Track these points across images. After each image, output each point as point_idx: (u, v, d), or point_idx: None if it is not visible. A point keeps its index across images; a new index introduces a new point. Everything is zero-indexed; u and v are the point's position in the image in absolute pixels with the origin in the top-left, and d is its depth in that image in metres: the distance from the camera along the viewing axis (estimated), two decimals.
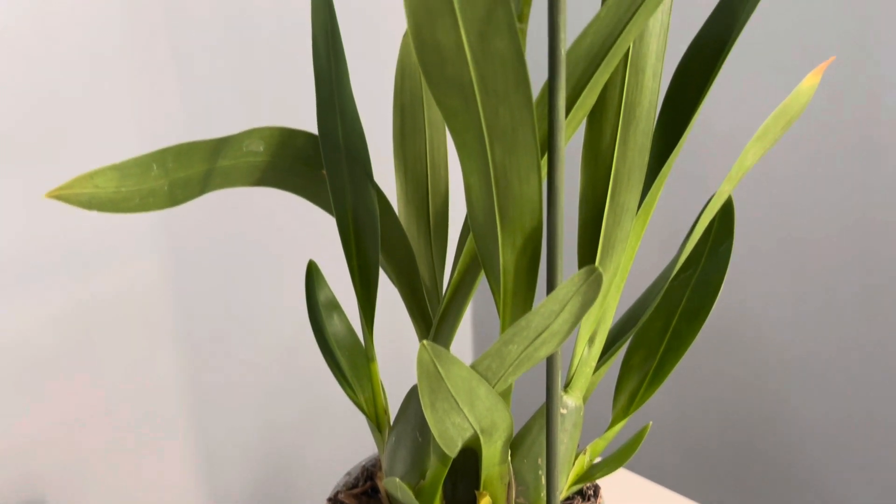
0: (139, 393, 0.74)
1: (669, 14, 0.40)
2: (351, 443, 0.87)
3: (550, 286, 0.36)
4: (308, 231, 0.79)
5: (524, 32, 0.34)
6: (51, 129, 0.64)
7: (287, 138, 0.46)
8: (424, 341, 0.33)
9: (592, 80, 0.37)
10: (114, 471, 0.73)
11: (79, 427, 0.70)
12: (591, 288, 0.33)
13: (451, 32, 0.29)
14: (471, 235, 0.39)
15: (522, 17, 0.34)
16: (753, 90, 0.79)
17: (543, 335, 0.34)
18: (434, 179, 0.51)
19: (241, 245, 0.79)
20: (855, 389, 0.82)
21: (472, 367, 0.35)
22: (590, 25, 0.36)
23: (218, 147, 0.42)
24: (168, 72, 0.70)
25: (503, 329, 0.40)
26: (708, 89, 0.43)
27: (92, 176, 0.33)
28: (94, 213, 0.65)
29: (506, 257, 0.37)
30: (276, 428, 0.86)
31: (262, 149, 0.45)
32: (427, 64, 0.30)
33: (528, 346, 0.35)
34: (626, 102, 0.40)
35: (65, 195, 0.33)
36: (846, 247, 0.79)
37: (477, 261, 0.41)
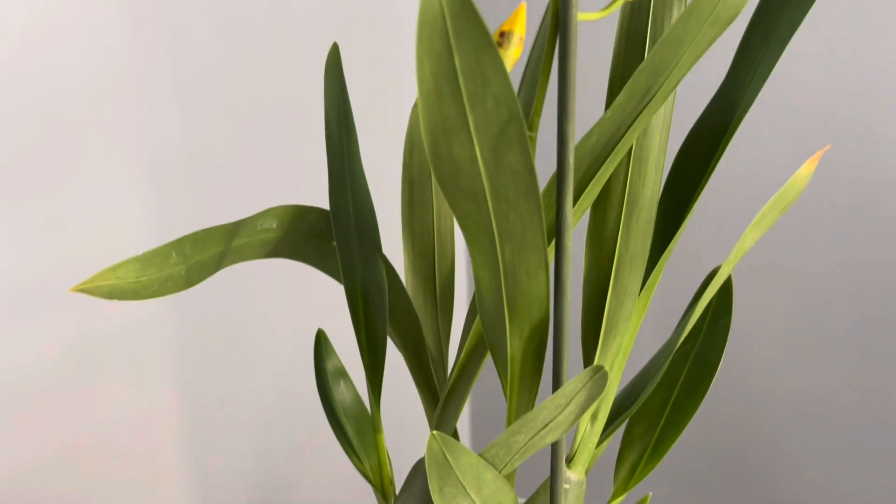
0: (136, 423, 0.74)
1: (672, 108, 0.42)
2: (345, 474, 0.88)
3: (556, 375, 0.38)
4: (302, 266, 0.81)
5: (534, 140, 0.36)
6: (52, 159, 0.65)
7: (300, 214, 0.48)
8: (434, 432, 0.34)
9: (598, 175, 0.39)
10: (111, 501, 0.74)
11: (76, 458, 0.70)
12: (597, 384, 0.34)
13: (465, 147, 0.31)
14: (478, 318, 0.41)
15: (532, 126, 0.36)
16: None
17: (550, 425, 0.36)
18: (441, 251, 0.52)
19: (240, 276, 0.80)
20: (848, 427, 0.83)
21: (480, 454, 0.37)
22: (596, 125, 0.38)
23: (234, 229, 0.43)
24: (173, 123, 0.72)
25: (509, 411, 0.41)
26: (709, 176, 0.44)
27: (114, 269, 0.35)
28: (93, 245, 0.66)
29: (513, 345, 0.38)
30: (272, 458, 0.87)
31: (275, 225, 0.47)
32: (441, 173, 0.32)
33: (534, 435, 0.36)
34: (629, 192, 0.42)
35: (88, 288, 0.34)
36: (837, 283, 0.80)
37: (483, 342, 0.42)
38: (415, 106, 0.54)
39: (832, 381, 0.83)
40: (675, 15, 0.41)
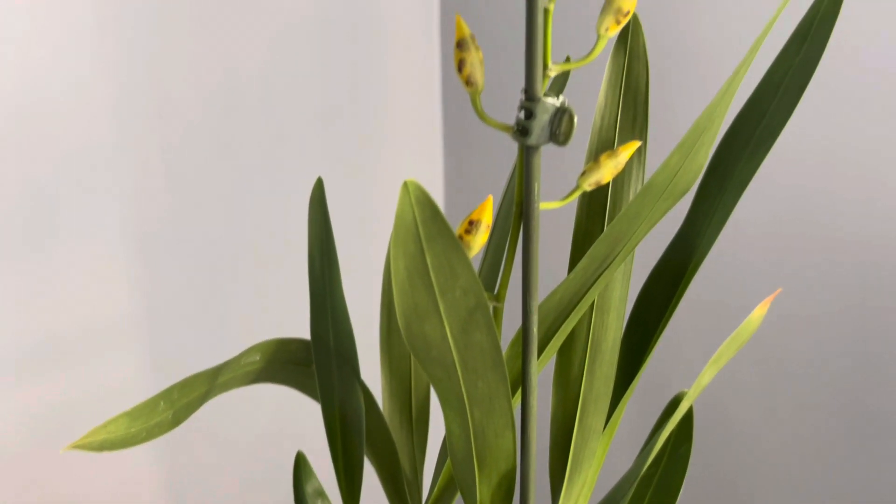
0: (115, 485, 0.75)
1: (632, 263, 0.45)
2: None
3: None
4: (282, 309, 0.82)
5: (501, 310, 0.38)
6: (36, 225, 0.67)
7: (281, 346, 0.50)
8: None
9: (561, 329, 0.41)
10: None
11: None
12: None
13: (437, 328, 0.33)
14: (449, 462, 0.43)
15: (500, 297, 0.38)
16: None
17: None
18: (417, 375, 0.55)
19: (217, 335, 0.81)
20: (829, 489, 0.85)
21: None
22: (561, 284, 0.40)
23: (219, 369, 0.45)
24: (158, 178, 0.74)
25: None
26: (668, 319, 0.47)
27: (105, 425, 0.37)
28: (72, 308, 0.67)
29: (482, 492, 0.40)
30: None
31: (258, 358, 0.49)
32: (415, 347, 0.34)
33: None
34: (592, 339, 0.44)
35: (81, 444, 0.36)
36: (817, 351, 0.83)
37: (454, 482, 0.44)
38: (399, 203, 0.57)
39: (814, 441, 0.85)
40: (632, 190, 0.44)
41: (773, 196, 0.81)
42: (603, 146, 0.44)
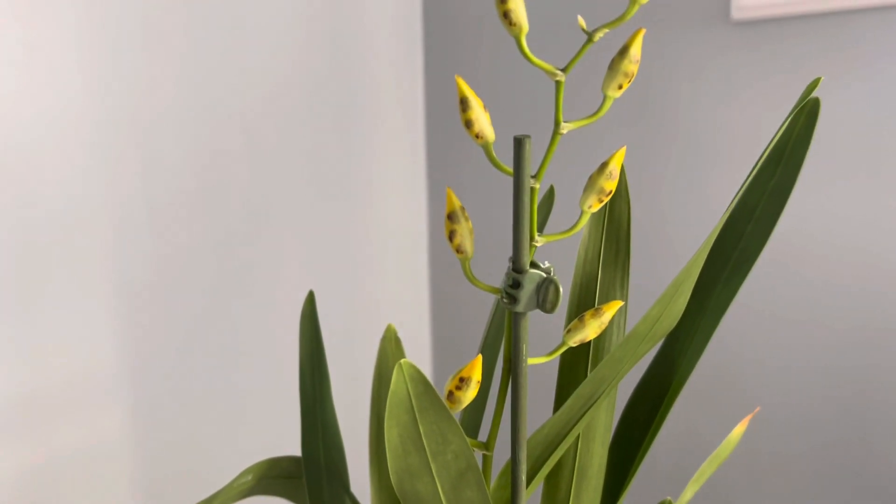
0: None
1: (615, 393, 0.46)
2: None
3: None
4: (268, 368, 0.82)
5: (490, 458, 0.40)
6: (24, 285, 0.67)
7: (273, 464, 0.51)
8: None
9: (549, 461, 0.43)
10: None
11: None
12: None
13: (429, 486, 0.35)
14: None
15: (489, 446, 0.40)
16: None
17: None
18: None
19: (199, 396, 0.81)
20: None
21: None
22: (548, 421, 0.42)
23: (215, 496, 0.46)
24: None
25: None
26: (651, 440, 0.48)
27: None
28: (55, 365, 0.67)
29: None
30: None
31: (250, 478, 0.50)
32: (407, 501, 0.36)
33: None
34: (578, 466, 0.46)
35: None
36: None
37: None
38: (383, 339, 0.58)
39: None
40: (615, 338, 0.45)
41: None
42: (587, 279, 0.45)
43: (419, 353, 1.06)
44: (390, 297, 1.01)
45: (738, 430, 0.49)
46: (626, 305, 0.47)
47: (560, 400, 0.45)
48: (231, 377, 0.84)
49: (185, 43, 0.76)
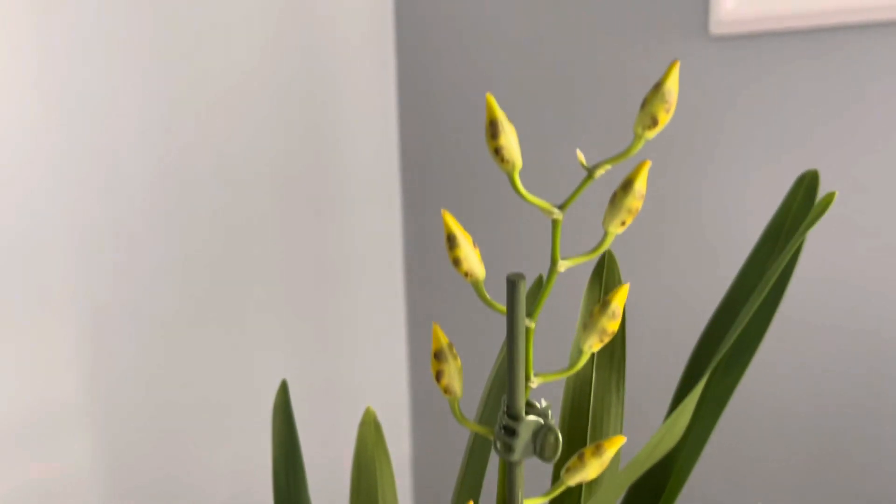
0: None
1: None
2: None
3: None
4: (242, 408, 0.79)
5: None
6: None
7: None
8: None
9: None
10: None
11: None
12: None
13: None
14: None
15: None
16: None
17: None
18: None
19: (167, 422, 0.78)
20: None
21: None
22: None
23: None
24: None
25: None
26: None
27: None
28: (18, 396, 0.64)
29: None
30: None
31: None
32: None
33: None
34: None
35: None
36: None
37: None
38: (362, 424, 0.55)
39: None
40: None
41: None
42: (581, 381, 0.42)
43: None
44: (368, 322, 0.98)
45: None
46: (621, 404, 0.44)
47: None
48: (201, 401, 0.80)
49: (149, 59, 0.73)
